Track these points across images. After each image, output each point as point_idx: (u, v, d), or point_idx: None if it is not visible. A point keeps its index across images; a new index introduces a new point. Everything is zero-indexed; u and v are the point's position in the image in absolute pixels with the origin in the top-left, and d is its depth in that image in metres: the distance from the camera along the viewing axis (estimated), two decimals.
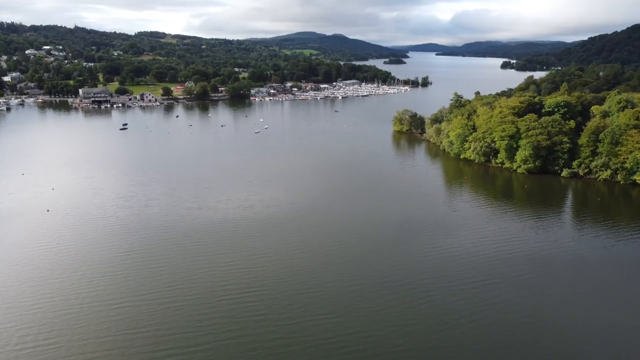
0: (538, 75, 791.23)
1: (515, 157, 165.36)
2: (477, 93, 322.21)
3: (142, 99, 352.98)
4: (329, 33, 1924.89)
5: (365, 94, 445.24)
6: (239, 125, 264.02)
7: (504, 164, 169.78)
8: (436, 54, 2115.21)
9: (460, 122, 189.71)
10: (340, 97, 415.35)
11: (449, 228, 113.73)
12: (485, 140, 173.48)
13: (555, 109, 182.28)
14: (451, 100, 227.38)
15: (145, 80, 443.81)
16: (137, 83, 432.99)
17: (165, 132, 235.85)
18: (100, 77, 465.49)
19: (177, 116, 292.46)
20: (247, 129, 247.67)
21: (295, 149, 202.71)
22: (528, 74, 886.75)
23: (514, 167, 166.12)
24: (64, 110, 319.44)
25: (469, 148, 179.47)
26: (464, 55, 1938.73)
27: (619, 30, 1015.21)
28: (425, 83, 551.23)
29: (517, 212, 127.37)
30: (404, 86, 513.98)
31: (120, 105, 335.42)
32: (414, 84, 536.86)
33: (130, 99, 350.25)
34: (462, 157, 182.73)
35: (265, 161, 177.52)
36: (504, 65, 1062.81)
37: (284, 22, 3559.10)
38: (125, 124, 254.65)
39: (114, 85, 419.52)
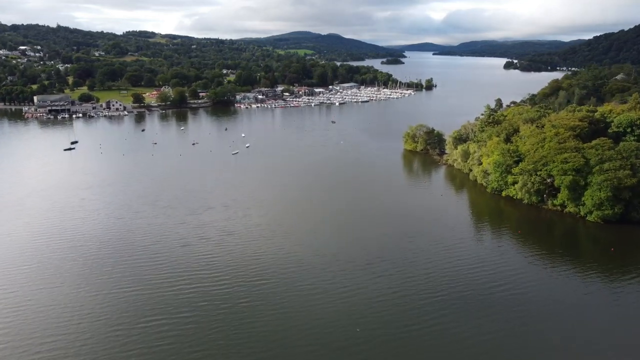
0: (545, 76, 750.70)
1: (584, 199, 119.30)
2: (499, 100, 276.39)
3: (109, 108, 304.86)
4: (324, 32, 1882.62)
5: (365, 99, 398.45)
6: (216, 141, 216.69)
7: (566, 207, 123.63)
8: (433, 54, 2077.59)
9: (498, 146, 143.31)
10: (337, 103, 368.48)
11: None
12: (538, 174, 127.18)
13: (628, 129, 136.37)
14: (482, 114, 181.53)
15: (118, 84, 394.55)
16: (109, 88, 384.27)
17: (120, 154, 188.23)
18: (71, 80, 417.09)
19: (143, 130, 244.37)
20: (224, 148, 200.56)
21: (280, 179, 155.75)
22: (533, 74, 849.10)
23: (582, 213, 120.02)
24: (13, 121, 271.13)
25: (515, 183, 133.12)
26: (461, 55, 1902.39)
27: (625, 29, 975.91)
28: (430, 86, 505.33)
29: (611, 292, 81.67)
30: (407, 90, 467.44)
31: (80, 115, 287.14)
32: (417, 87, 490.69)
33: (94, 108, 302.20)
34: (503, 194, 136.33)
35: (233, 211, 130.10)
36: (507, 66, 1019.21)
37: (275, 21, 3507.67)
38: (75, 142, 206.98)
39: (83, 91, 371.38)
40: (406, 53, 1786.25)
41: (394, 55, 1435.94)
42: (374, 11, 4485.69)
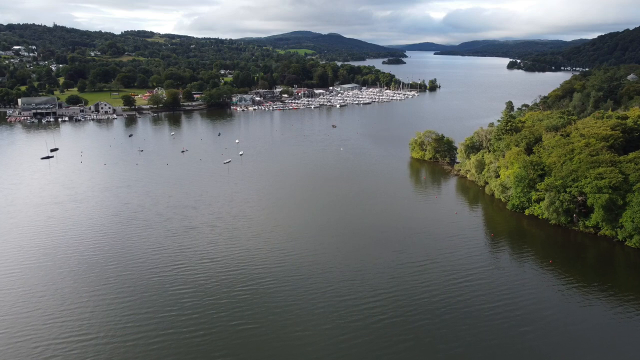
0: (550, 76, 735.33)
1: (622, 221, 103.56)
2: (510, 104, 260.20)
3: (97, 111, 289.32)
4: (324, 32, 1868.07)
5: (367, 101, 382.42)
6: (207, 148, 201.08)
7: (601, 229, 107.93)
8: (434, 53, 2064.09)
9: (518, 158, 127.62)
10: (338, 106, 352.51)
11: None
12: (567, 190, 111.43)
13: None
14: (499, 120, 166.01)
15: (109, 85, 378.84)
16: (100, 89, 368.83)
17: (102, 164, 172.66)
18: (62, 81, 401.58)
19: (130, 135, 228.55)
20: (215, 156, 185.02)
21: (273, 193, 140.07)
22: (538, 74, 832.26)
23: (619, 237, 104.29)
24: None
25: (540, 200, 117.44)
26: (462, 55, 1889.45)
27: (630, 28, 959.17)
28: (434, 87, 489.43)
29: None
30: (410, 91, 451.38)
31: (66, 119, 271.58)
32: (421, 88, 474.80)
33: (82, 111, 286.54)
34: (526, 212, 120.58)
35: (218, 232, 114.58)
36: (511, 66, 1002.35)
37: (275, 21, 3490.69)
38: (54, 150, 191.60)
39: (73, 92, 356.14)
40: (407, 53, 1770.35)
41: (395, 55, 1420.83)
42: (374, 11, 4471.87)
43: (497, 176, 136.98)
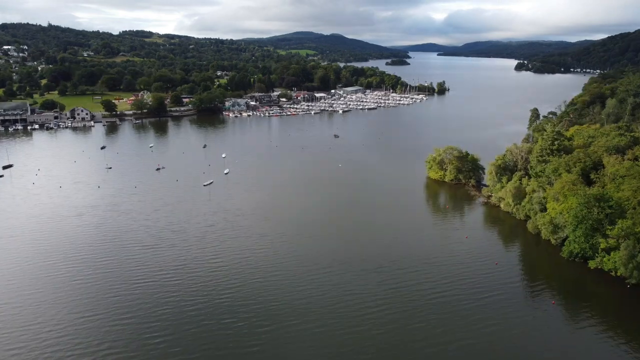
0: (560, 78, 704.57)
1: None
2: (535, 110, 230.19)
3: (73, 117, 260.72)
4: (326, 33, 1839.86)
5: (372, 105, 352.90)
6: (189, 165, 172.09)
7: None
8: (437, 54, 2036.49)
9: (575, 189, 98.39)
10: (340, 111, 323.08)
11: None
12: None
13: None
14: (528, 130, 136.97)
15: (94, 89, 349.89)
16: (82, 93, 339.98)
17: (58, 186, 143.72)
18: (43, 83, 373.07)
19: (102, 147, 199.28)
20: (196, 175, 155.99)
21: (258, 228, 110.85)
22: (548, 76, 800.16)
23: None
24: None
25: (611, 249, 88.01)
26: (466, 56, 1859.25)
27: (634, 28, 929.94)
28: (442, 90, 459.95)
29: None
30: (417, 94, 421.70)
31: (37, 126, 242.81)
32: (429, 91, 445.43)
33: (55, 117, 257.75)
34: (591, 264, 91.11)
35: (169, 294, 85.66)
36: (519, 67, 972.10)
37: (275, 21, 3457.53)
38: (7, 167, 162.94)
39: (53, 96, 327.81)
40: (410, 54, 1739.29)
41: (398, 55, 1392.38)
42: (375, 11, 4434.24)
43: (543, 210, 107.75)
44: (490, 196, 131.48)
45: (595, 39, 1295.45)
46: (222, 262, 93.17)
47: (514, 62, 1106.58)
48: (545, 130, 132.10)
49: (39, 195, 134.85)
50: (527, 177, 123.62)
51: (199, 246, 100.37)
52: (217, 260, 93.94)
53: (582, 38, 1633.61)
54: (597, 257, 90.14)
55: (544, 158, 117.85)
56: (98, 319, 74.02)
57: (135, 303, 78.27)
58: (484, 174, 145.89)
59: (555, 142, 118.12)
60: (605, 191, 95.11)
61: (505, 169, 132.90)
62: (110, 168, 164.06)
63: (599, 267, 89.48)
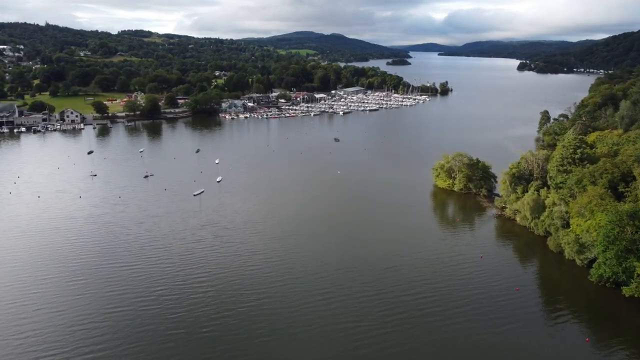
0: (564, 78, 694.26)
1: None
2: (545, 113, 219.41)
3: (62, 119, 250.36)
4: (327, 32, 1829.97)
5: (374, 107, 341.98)
6: (179, 171, 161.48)
7: None
8: (438, 54, 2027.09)
9: (603, 204, 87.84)
10: (341, 113, 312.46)
11: None
12: None
13: None
14: (538, 134, 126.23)
15: (86, 90, 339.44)
16: (75, 94, 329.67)
17: (37, 195, 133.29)
18: (35, 83, 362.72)
19: (90, 152, 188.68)
20: (186, 183, 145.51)
21: (249, 244, 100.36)
22: (551, 76, 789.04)
23: None
24: None
25: None
26: (467, 56, 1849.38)
27: (635, 29, 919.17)
28: (445, 90, 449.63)
29: None
30: (420, 95, 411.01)
31: (24, 129, 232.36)
32: (431, 91, 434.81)
33: (44, 119, 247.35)
34: (625, 291, 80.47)
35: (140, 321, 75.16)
36: (521, 67, 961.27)
37: (274, 21, 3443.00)
38: None
39: (44, 97, 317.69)
40: (411, 53, 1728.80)
41: (399, 55, 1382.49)
42: (375, 11, 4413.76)
43: (566, 225, 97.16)
44: (504, 208, 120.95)
45: (596, 38, 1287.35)
46: (207, 284, 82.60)
47: (515, 62, 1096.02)
48: (560, 135, 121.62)
49: (14, 205, 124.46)
50: (545, 187, 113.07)
51: (182, 266, 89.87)
52: (202, 282, 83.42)
53: (583, 38, 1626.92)
54: (633, 283, 79.50)
55: (565, 168, 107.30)
56: (61, 352, 63.65)
57: (104, 338, 67.82)
58: (496, 182, 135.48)
59: (578, 151, 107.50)
60: (639, 207, 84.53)
61: (520, 178, 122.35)
62: (95, 175, 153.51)
63: (635, 295, 78.86)
